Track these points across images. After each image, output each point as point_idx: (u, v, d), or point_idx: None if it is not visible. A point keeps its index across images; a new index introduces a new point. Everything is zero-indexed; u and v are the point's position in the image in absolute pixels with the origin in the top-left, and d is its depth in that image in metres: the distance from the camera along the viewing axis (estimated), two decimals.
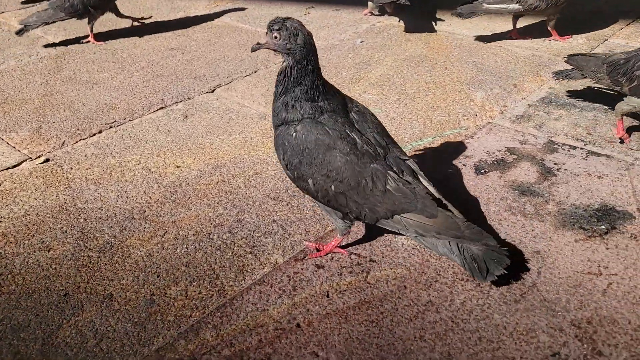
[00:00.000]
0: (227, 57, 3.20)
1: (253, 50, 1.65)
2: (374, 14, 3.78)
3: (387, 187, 1.59)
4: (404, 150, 1.74)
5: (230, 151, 2.31)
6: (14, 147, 2.35)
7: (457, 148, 2.27)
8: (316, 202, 1.68)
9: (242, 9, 4.00)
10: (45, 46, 3.42)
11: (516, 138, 2.32)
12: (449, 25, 3.56)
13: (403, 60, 3.10)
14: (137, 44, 3.43)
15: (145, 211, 1.96)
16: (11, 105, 2.70)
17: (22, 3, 3.96)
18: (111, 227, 1.88)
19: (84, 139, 2.42)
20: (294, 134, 1.59)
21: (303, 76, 1.58)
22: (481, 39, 3.34)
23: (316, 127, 1.59)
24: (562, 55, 3.07)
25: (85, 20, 3.39)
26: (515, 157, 2.19)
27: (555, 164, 2.14)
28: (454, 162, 2.18)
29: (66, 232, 1.86)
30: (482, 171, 2.12)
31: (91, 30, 3.42)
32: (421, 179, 1.67)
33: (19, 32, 3.28)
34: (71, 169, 2.20)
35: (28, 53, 3.32)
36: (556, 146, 2.25)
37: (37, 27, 3.31)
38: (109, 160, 2.26)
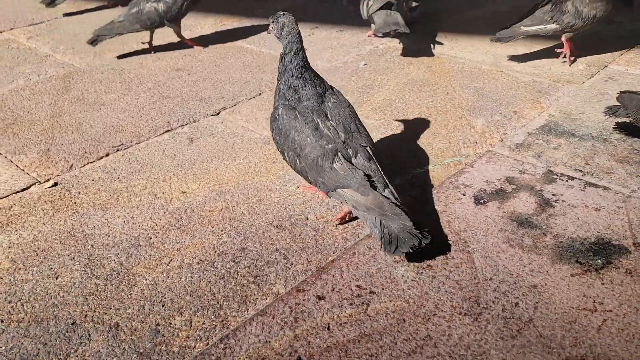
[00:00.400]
0: (232, 78, 3.26)
1: (268, 33, 2.15)
2: (377, 36, 3.83)
3: (334, 165, 1.92)
4: (372, 141, 2.06)
5: (234, 177, 2.35)
6: (23, 170, 2.40)
7: (457, 177, 2.31)
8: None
9: (248, 29, 4.06)
10: (54, 65, 3.48)
11: (515, 167, 2.36)
12: (451, 49, 3.61)
13: (405, 84, 3.15)
14: (144, 64, 3.48)
15: (151, 238, 2.00)
16: (20, 127, 2.75)
17: (47, 5, 4.04)
18: (118, 254, 1.93)
19: (91, 162, 2.47)
20: (278, 115, 2.04)
21: (289, 62, 2.03)
22: (483, 63, 3.39)
23: (291, 112, 2.00)
24: (562, 81, 3.12)
25: (137, 34, 3.61)
26: (514, 187, 2.24)
27: (553, 194, 2.18)
28: (454, 191, 2.22)
29: (74, 258, 1.91)
30: (482, 201, 2.16)
31: (150, 40, 3.62)
32: (372, 164, 1.96)
33: (92, 42, 3.44)
34: (79, 193, 2.25)
35: (37, 72, 3.38)
36: (555, 176, 2.29)
37: (110, 37, 3.45)
38: (115, 184, 2.31)
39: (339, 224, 2.06)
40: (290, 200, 2.20)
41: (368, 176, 1.90)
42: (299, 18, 4.29)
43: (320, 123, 1.98)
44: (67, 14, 4.41)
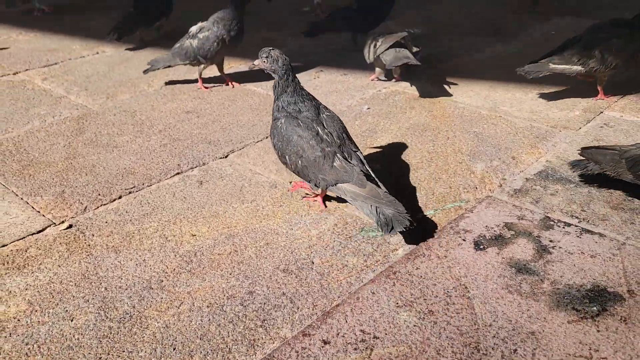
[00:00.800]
0: (240, 121, 3.38)
1: (250, 68, 2.60)
2: (380, 79, 3.97)
3: (334, 164, 2.32)
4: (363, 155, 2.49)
5: (242, 220, 2.44)
6: (39, 212, 2.49)
7: (457, 222, 2.39)
8: (292, 173, 2.48)
9: (255, 72, 4.19)
10: (68, 107, 3.60)
11: (514, 213, 2.45)
12: (451, 93, 3.74)
13: (407, 128, 3.26)
14: (155, 106, 3.61)
15: (162, 281, 2.08)
16: (36, 168, 2.85)
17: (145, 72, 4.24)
18: (130, 296, 2.00)
19: (104, 205, 2.56)
20: (280, 125, 2.40)
21: (286, 86, 2.39)
22: (482, 107, 3.51)
23: (293, 121, 2.37)
24: (559, 127, 3.23)
25: (185, 68, 4.00)
26: (512, 232, 2.32)
27: (550, 241, 2.26)
28: (455, 236, 2.30)
29: (88, 301, 1.98)
30: (481, 247, 2.23)
31: (200, 76, 3.88)
32: (364, 164, 2.38)
33: (145, 71, 3.83)
34: (93, 235, 2.34)
35: (52, 113, 3.50)
36: (552, 222, 2.37)
37: (160, 68, 3.83)
38: (128, 227, 2.39)
39: (303, 197, 2.57)
40: (297, 244, 2.28)
41: (363, 172, 2.32)
42: (304, 61, 4.45)
43: (319, 130, 2.37)
44: (82, 57, 4.56)
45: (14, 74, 4.18)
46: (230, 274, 2.11)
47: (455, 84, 3.87)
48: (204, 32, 3.72)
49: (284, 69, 2.38)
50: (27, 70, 4.25)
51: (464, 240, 2.28)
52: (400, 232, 2.16)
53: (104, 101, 3.70)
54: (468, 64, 4.28)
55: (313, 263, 2.17)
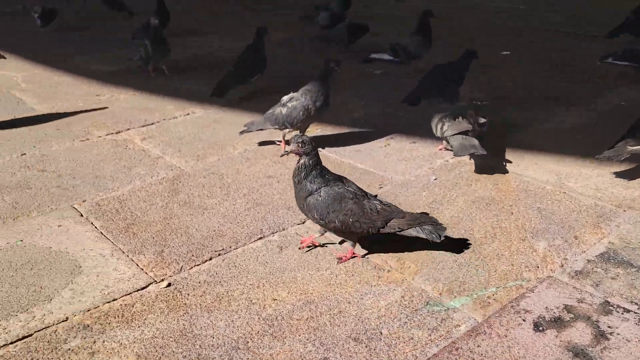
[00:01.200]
0: None
1: (282, 155, 2.95)
2: (447, 149, 4.19)
3: (378, 209, 2.82)
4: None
5: (318, 287, 2.71)
6: (142, 269, 2.87)
7: (518, 302, 2.55)
8: (336, 233, 2.90)
9: (329, 137, 4.53)
10: (164, 167, 4.05)
11: (574, 295, 2.58)
12: (516, 166, 3.91)
13: (472, 202, 3.46)
14: (240, 169, 3.99)
15: (248, 342, 2.36)
16: (138, 227, 3.26)
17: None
18: (221, 355, 2.29)
19: (197, 265, 2.90)
20: (320, 197, 2.80)
21: (314, 164, 2.82)
22: (547, 183, 3.65)
23: (332, 189, 2.81)
24: (623, 206, 3.33)
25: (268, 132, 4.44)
26: (571, 316, 2.45)
27: (609, 327, 2.38)
28: (515, 316, 2.46)
29: (186, 357, 2.29)
30: (540, 328, 2.39)
31: (283, 138, 4.32)
32: (391, 203, 2.95)
33: (241, 132, 4.33)
34: (188, 294, 2.67)
35: (150, 173, 3.95)
36: (611, 308, 2.49)
37: (253, 131, 4.32)
38: (218, 288, 2.72)
39: (307, 248, 3.02)
40: (367, 314, 2.52)
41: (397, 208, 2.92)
42: (374, 127, 4.72)
43: (353, 190, 2.85)
44: (175, 117, 5.07)
45: (117, 132, 4.71)
46: (307, 340, 2.37)
47: (520, 156, 4.04)
48: (292, 101, 4.14)
49: (314, 152, 2.82)
50: (128, 129, 4.78)
51: (524, 320, 2.44)
52: (444, 236, 2.80)
53: (195, 163, 4.12)
54: (532, 135, 4.44)
55: (382, 334, 2.40)
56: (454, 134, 3.83)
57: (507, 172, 3.83)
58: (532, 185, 3.64)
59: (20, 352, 2.32)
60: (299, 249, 3.01)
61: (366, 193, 2.92)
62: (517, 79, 5.86)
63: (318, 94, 4.12)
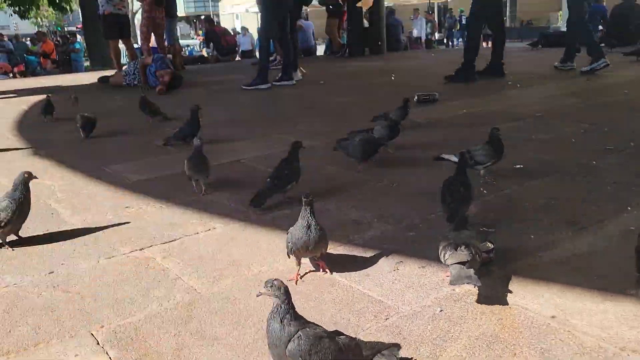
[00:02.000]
0: (324, 317, 3.79)
1: (258, 295, 3.06)
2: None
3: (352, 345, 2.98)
4: None
5: None
6: None
7: None
8: None
9: (346, 258, 4.67)
10: (181, 290, 4.24)
11: None
12: (522, 298, 3.96)
13: (476, 338, 3.51)
14: (252, 294, 4.14)
15: None
16: (150, 358, 3.40)
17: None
18: None
19: None
20: (300, 341, 2.85)
21: (287, 308, 2.94)
22: (552, 319, 3.69)
23: (309, 331, 2.90)
24: (627, 349, 3.33)
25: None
26: None
27: None
28: None
29: None
30: None
31: (299, 264, 4.48)
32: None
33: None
34: None
35: (167, 297, 4.14)
36: None
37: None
38: None
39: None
40: None
41: None
42: (385, 247, 4.85)
43: (325, 330, 2.99)
44: (197, 233, 5.33)
45: (140, 249, 4.97)
46: None
47: (526, 287, 4.09)
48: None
49: (285, 295, 2.95)
50: (150, 246, 5.04)
51: None
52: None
53: (210, 285, 4.30)
54: (539, 263, 4.48)
55: None
56: (453, 264, 3.94)
57: (512, 306, 3.87)
58: (537, 321, 3.67)
59: None
60: None
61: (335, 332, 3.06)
62: (522, 195, 5.99)
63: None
